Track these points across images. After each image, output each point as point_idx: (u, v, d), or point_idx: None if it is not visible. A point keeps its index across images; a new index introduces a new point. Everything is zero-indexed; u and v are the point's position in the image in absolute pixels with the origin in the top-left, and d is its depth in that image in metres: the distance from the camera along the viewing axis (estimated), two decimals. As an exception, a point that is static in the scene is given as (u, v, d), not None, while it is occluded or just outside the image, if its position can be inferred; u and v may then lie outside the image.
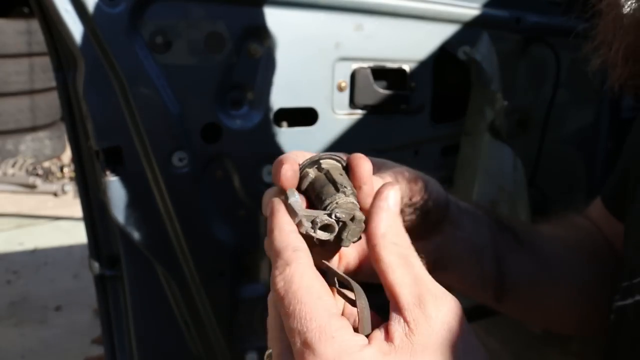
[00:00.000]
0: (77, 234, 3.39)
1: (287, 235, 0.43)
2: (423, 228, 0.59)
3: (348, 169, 0.49)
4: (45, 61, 4.18)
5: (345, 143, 1.14)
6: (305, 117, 1.11)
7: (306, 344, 0.37)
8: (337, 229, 0.44)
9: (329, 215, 0.44)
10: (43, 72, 4.48)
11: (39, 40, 4.26)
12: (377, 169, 0.54)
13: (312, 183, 0.48)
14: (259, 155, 1.09)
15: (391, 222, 0.45)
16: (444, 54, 1.19)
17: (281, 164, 0.47)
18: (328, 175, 0.47)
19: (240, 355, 1.17)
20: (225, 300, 1.14)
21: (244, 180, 1.08)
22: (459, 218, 0.63)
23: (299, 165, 0.48)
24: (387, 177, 0.54)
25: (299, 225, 0.44)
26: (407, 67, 1.16)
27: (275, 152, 1.09)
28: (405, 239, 0.44)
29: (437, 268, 0.63)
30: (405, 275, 0.41)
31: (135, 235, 1.05)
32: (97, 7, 0.90)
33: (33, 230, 3.64)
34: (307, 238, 0.44)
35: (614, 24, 0.51)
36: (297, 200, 0.45)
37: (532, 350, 1.16)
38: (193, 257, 1.08)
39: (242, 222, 1.11)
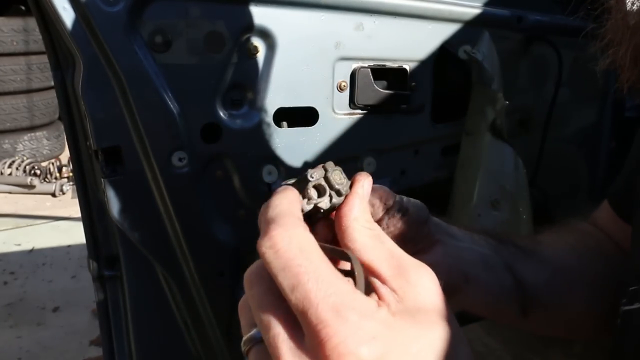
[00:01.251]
0: (75, 235, 3.38)
1: (295, 206, 0.42)
2: (414, 231, 0.57)
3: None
4: (43, 60, 4.17)
5: (346, 143, 1.14)
6: (305, 117, 1.11)
7: (330, 308, 0.35)
8: (327, 187, 0.45)
9: (308, 184, 0.45)
10: (41, 71, 4.47)
11: (37, 39, 4.26)
12: None
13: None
14: (259, 155, 1.08)
15: (364, 207, 0.45)
16: (444, 53, 1.18)
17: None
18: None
19: (239, 356, 1.17)
20: (225, 300, 1.14)
21: (244, 180, 1.08)
22: (451, 231, 0.62)
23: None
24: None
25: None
26: (407, 67, 1.16)
27: (275, 152, 1.09)
28: (376, 225, 0.45)
29: (460, 280, 0.61)
30: (381, 251, 0.41)
31: (135, 235, 1.05)
32: (96, 5, 0.89)
33: (31, 230, 3.62)
34: (310, 215, 0.46)
35: (623, 23, 0.50)
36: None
37: (533, 352, 1.15)
38: (193, 257, 1.08)
39: (242, 222, 1.10)
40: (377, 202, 0.55)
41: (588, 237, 0.74)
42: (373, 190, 0.53)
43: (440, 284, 0.41)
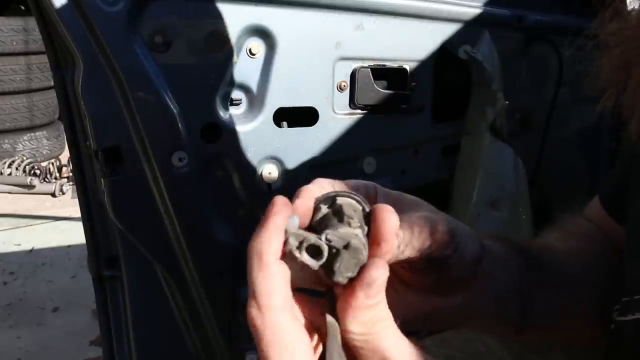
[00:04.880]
0: (75, 235, 3.37)
1: (286, 284, 0.39)
2: (444, 285, 0.50)
3: (370, 217, 0.42)
4: (43, 60, 4.16)
5: (346, 143, 1.14)
6: (305, 117, 1.11)
7: None
8: (325, 254, 0.39)
9: (319, 237, 0.39)
10: (40, 70, 4.46)
11: (37, 39, 4.25)
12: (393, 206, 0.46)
13: (321, 219, 0.42)
14: (259, 155, 1.08)
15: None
16: (444, 53, 1.18)
17: (296, 197, 0.43)
18: (340, 209, 0.42)
19: (239, 356, 1.17)
20: (225, 300, 1.14)
21: (244, 180, 1.08)
22: (493, 268, 0.55)
23: (315, 199, 0.44)
24: (402, 230, 0.45)
25: (285, 243, 0.39)
26: (407, 67, 1.15)
27: (275, 152, 1.09)
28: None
29: (455, 324, 0.57)
30: None
31: (135, 235, 1.05)
32: (96, 5, 0.89)
33: (30, 230, 3.62)
34: (293, 260, 0.40)
35: (623, 59, 0.42)
36: (295, 222, 0.41)
37: (533, 352, 1.15)
38: (193, 257, 1.08)
39: (242, 222, 1.10)
40: (428, 243, 0.45)
41: (594, 243, 0.70)
42: (432, 224, 0.45)
43: None
